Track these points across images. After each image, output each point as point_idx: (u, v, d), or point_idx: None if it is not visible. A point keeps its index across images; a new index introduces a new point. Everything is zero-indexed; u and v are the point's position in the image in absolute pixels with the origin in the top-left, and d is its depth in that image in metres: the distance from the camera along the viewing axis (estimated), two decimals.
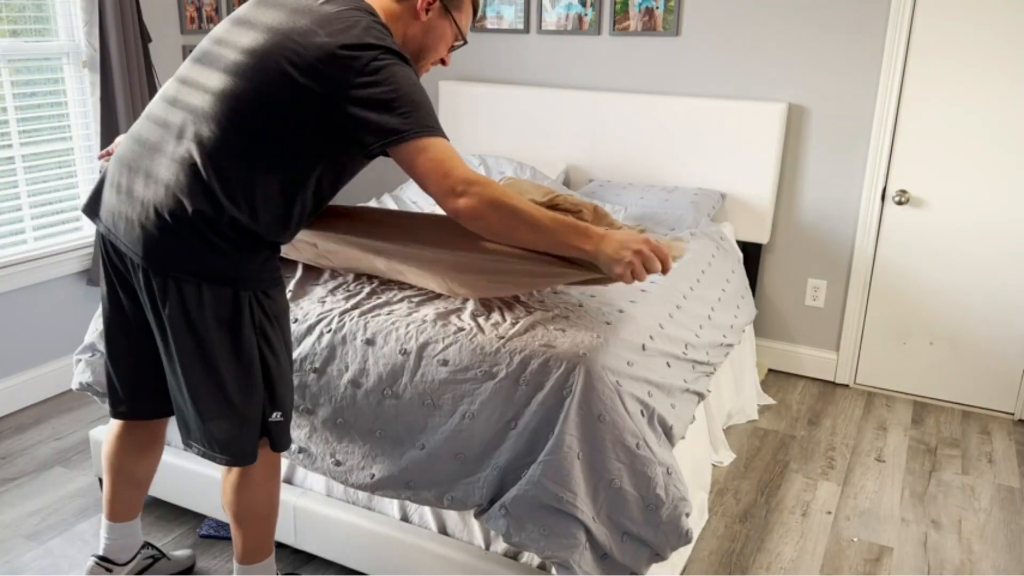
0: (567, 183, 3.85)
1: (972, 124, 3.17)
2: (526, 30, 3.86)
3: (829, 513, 2.67)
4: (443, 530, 2.09)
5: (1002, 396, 3.37)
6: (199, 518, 2.56)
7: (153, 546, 2.19)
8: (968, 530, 2.61)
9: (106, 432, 2.21)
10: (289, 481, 2.29)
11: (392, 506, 2.13)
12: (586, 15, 3.71)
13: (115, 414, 1.92)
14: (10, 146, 3.12)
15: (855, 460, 3.00)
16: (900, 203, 3.32)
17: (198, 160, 1.63)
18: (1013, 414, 3.37)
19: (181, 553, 2.28)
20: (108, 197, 1.74)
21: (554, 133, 3.84)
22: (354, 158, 1.73)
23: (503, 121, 3.93)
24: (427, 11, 1.81)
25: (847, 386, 3.64)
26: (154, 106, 1.75)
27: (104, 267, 1.81)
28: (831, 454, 3.04)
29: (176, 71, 1.78)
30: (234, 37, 1.70)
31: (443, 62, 1.93)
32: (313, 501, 2.19)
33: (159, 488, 2.46)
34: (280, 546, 2.43)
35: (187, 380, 1.71)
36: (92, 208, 1.80)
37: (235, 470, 1.83)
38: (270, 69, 1.63)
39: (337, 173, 1.76)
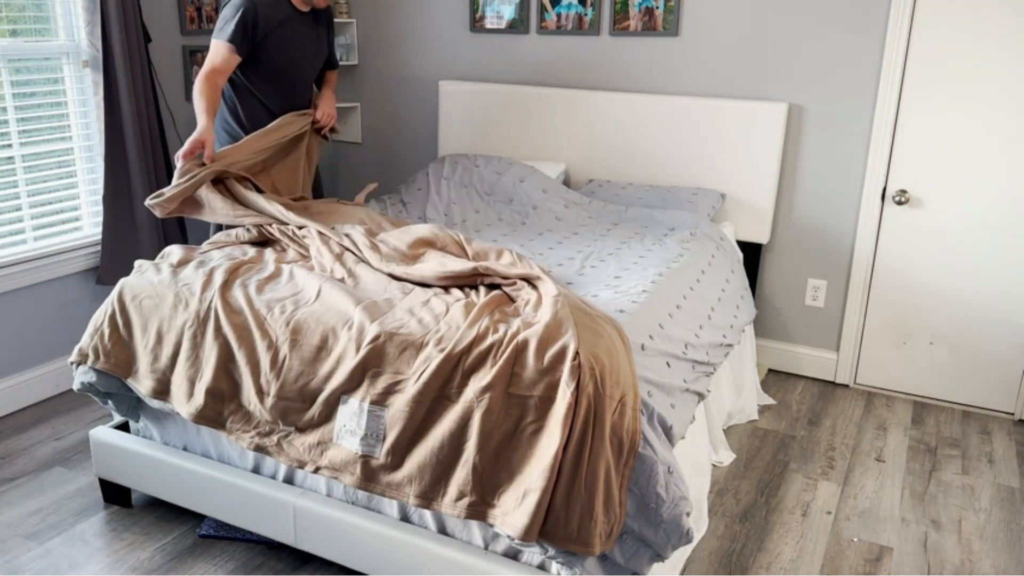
0: (567, 183, 3.85)
1: (972, 124, 3.17)
2: (526, 30, 3.86)
3: (829, 513, 2.67)
4: (443, 530, 2.09)
5: (1002, 396, 3.37)
6: (199, 518, 2.56)
7: None
8: (968, 530, 2.61)
9: None
10: (289, 481, 2.29)
11: (392, 506, 2.14)
12: (586, 15, 3.71)
13: None
14: (10, 146, 3.12)
15: (855, 460, 3.00)
16: (900, 203, 3.32)
17: None
18: (1013, 414, 3.37)
19: None
20: None
21: (554, 133, 3.84)
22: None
23: (503, 121, 3.93)
24: None
25: (847, 386, 3.64)
26: None
27: None
28: (831, 454, 3.04)
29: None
30: None
31: None
32: (313, 501, 2.19)
33: (159, 488, 2.47)
34: (280, 546, 2.43)
35: None
36: None
37: None
38: None
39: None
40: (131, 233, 3.43)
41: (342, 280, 2.38)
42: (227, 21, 2.91)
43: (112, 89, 3.26)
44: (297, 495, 2.22)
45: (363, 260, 2.51)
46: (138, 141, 3.33)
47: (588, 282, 2.59)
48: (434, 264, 2.37)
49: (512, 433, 1.88)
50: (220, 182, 2.76)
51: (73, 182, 3.37)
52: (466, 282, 2.32)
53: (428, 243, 2.56)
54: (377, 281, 2.36)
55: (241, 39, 2.91)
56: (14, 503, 2.63)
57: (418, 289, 2.30)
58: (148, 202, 2.63)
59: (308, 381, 2.10)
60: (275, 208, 2.71)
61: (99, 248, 3.42)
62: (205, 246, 2.65)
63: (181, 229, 3.62)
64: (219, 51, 2.91)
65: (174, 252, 2.55)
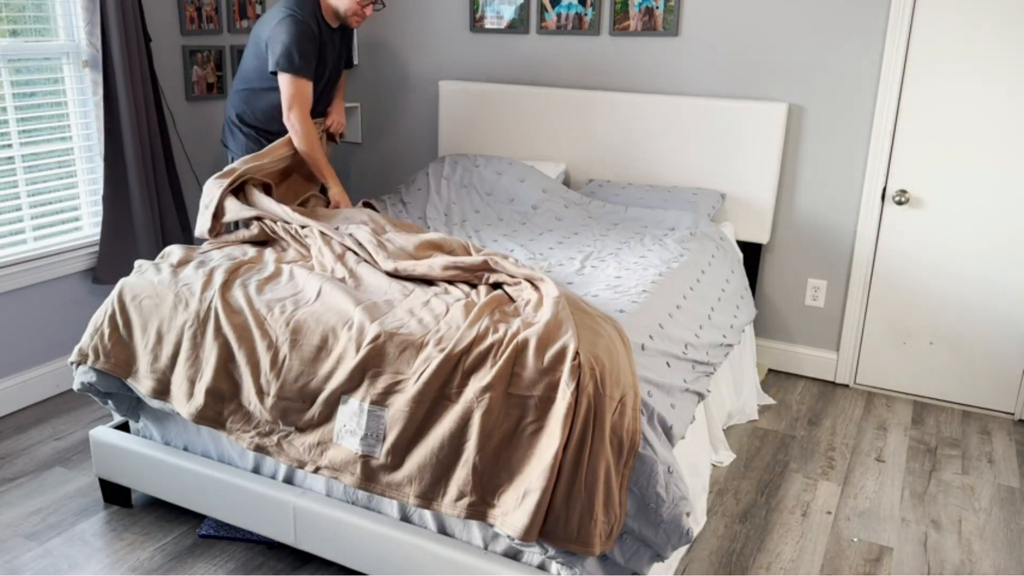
0: (567, 183, 3.85)
1: (972, 124, 3.17)
2: (526, 30, 3.86)
3: (829, 513, 2.67)
4: (443, 530, 2.09)
5: (1002, 396, 3.37)
6: (199, 518, 2.56)
7: None
8: (968, 530, 2.61)
9: None
10: (289, 481, 2.29)
11: (392, 506, 2.14)
12: (586, 15, 3.71)
13: None
14: (10, 146, 3.12)
15: (855, 460, 3.00)
16: (900, 203, 3.32)
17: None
18: (1013, 414, 3.37)
19: None
20: None
21: (554, 133, 3.84)
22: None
23: (503, 121, 3.93)
24: None
25: (847, 386, 3.64)
26: None
27: None
28: (831, 454, 3.04)
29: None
30: None
31: (363, 15, 3.09)
32: (313, 501, 2.19)
33: (159, 488, 2.47)
34: (280, 546, 2.43)
35: None
36: None
37: None
38: None
39: None
40: (130, 233, 3.43)
41: (343, 280, 2.38)
42: (297, 53, 2.95)
43: (112, 89, 3.26)
44: (297, 495, 2.22)
45: (365, 260, 2.51)
46: (137, 141, 3.33)
47: (588, 282, 2.59)
48: (443, 258, 2.38)
49: (512, 433, 1.88)
50: (240, 190, 2.83)
51: (73, 182, 3.37)
52: (474, 275, 2.33)
53: (436, 246, 2.57)
54: (378, 282, 2.36)
55: (310, 68, 3.01)
56: (14, 503, 2.63)
57: (418, 290, 2.30)
58: (202, 224, 2.76)
59: (308, 381, 2.10)
60: (280, 208, 2.74)
61: (99, 248, 3.42)
62: (205, 246, 2.66)
63: (182, 229, 3.62)
64: (299, 87, 2.98)
65: (174, 252, 2.56)
